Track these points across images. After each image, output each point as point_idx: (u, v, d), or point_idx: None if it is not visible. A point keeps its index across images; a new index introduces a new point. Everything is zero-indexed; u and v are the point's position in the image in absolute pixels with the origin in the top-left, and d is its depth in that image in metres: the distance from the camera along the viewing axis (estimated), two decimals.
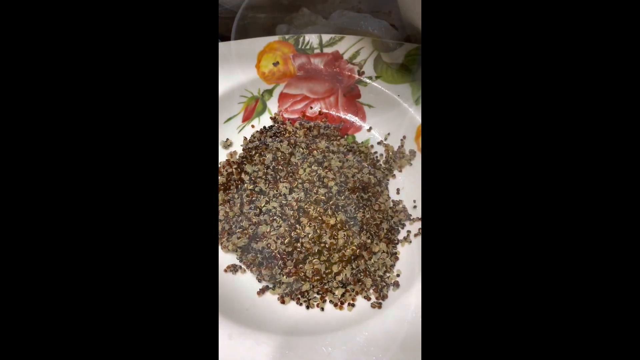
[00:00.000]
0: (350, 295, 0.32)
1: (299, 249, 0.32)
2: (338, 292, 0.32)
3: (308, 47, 0.40)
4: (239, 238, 0.33)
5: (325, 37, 0.40)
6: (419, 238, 0.34)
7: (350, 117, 0.40)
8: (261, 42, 0.39)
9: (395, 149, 0.38)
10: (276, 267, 0.32)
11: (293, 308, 0.32)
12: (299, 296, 0.32)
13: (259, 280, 0.33)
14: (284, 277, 0.32)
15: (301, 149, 0.36)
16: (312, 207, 0.33)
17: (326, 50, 0.39)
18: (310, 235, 0.32)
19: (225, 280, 0.33)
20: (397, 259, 0.34)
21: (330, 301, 0.32)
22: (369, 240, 0.33)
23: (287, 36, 0.40)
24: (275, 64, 0.39)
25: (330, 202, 0.33)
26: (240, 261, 0.34)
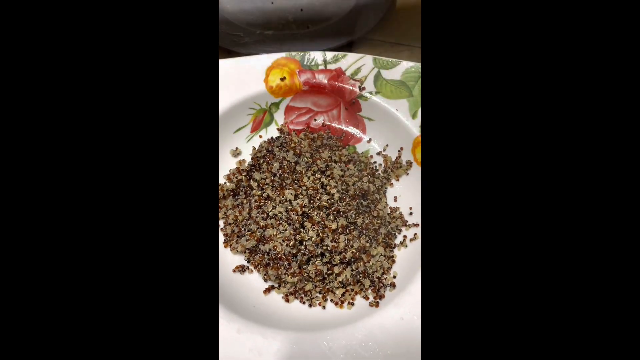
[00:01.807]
0: (350, 294, 0.34)
1: (302, 251, 0.34)
2: (339, 292, 0.34)
3: (313, 63, 0.43)
4: (247, 240, 0.35)
5: (329, 55, 0.43)
6: (414, 242, 0.36)
7: (352, 129, 0.43)
8: (269, 58, 0.42)
9: (393, 159, 0.41)
10: (281, 268, 0.34)
11: (297, 306, 0.34)
12: (302, 295, 0.34)
13: (265, 280, 0.35)
14: (289, 277, 0.34)
15: (306, 158, 0.39)
16: (315, 213, 0.35)
17: (330, 66, 0.42)
18: (313, 239, 0.34)
19: (233, 279, 0.35)
20: (393, 261, 0.36)
21: (331, 300, 0.34)
22: (367, 244, 0.35)
23: (293, 53, 0.43)
24: (282, 78, 0.42)
25: (332, 208, 0.36)
26: (248, 262, 0.36)
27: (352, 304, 0.34)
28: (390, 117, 0.41)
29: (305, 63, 0.42)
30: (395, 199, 0.40)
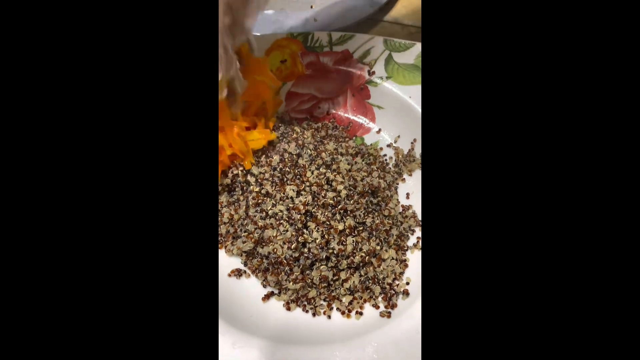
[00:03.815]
0: (358, 303, 0.31)
1: (306, 255, 0.31)
2: (346, 300, 0.31)
3: (317, 45, 0.38)
4: (244, 242, 0.32)
5: (335, 35, 0.39)
6: None
7: (359, 119, 0.39)
8: (269, 39, 0.38)
9: (405, 152, 0.37)
10: (282, 273, 0.31)
11: (299, 315, 0.31)
12: (305, 303, 0.31)
13: (264, 286, 0.32)
14: (290, 283, 0.30)
15: (309, 151, 0.35)
16: (320, 211, 0.32)
17: (336, 48, 0.38)
18: (317, 241, 0.31)
19: (229, 285, 0.32)
20: (406, 266, 0.33)
21: (338, 309, 0.31)
22: (378, 247, 0.32)
23: (295, 33, 0.39)
24: (283, 61, 0.38)
25: (339, 207, 0.32)
26: (245, 265, 0.33)
27: (361, 313, 0.30)
28: (402, 105, 0.37)
29: (308, 44, 0.38)
30: (407, 196, 0.36)
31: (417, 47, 0.38)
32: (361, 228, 0.32)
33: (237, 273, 0.32)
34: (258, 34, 0.39)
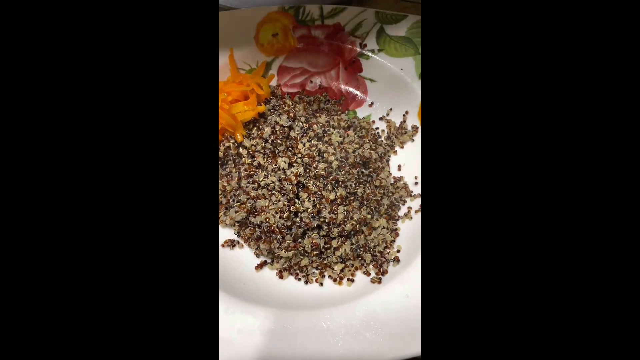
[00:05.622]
0: (349, 270, 0.31)
1: (297, 224, 0.31)
2: (337, 268, 0.31)
3: (308, 18, 0.38)
4: (236, 212, 0.32)
5: (327, 8, 0.38)
6: (420, 214, 0.33)
7: (352, 92, 0.39)
8: (260, 12, 0.38)
9: (398, 124, 0.37)
10: (274, 242, 0.31)
11: (291, 283, 0.31)
12: (298, 271, 0.32)
13: (257, 255, 0.32)
14: (283, 251, 0.31)
15: (300, 123, 0.35)
16: (311, 182, 0.32)
17: (327, 21, 0.38)
18: (309, 210, 0.31)
19: (222, 255, 0.32)
20: (397, 235, 0.33)
21: (329, 276, 0.31)
22: (369, 216, 0.32)
23: (286, 6, 0.38)
24: (275, 35, 0.38)
25: (330, 177, 0.32)
26: (238, 236, 0.33)
27: (352, 280, 0.31)
28: (394, 78, 0.37)
29: (300, 17, 0.38)
30: (399, 167, 0.36)
31: (409, 18, 0.37)
32: (352, 198, 0.32)
33: (231, 243, 0.33)
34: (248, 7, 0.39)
